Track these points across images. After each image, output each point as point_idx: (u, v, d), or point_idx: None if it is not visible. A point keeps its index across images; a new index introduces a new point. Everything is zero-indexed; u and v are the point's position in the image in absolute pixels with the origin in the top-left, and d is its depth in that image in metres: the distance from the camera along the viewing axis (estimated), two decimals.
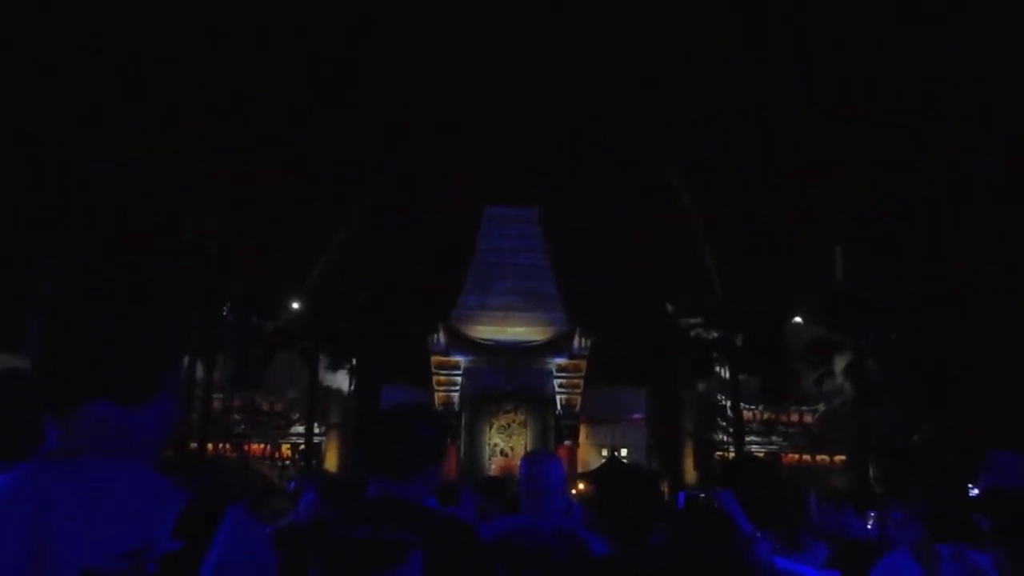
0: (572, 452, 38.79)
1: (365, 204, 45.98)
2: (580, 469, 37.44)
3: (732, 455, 37.33)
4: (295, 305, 40.08)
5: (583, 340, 39.57)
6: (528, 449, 38.48)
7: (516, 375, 39.39)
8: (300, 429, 39.35)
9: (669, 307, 41.25)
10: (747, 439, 38.54)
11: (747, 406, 39.59)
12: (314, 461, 37.72)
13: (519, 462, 3.82)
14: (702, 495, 3.15)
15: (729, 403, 39.70)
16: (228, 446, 38.35)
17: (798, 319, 40.74)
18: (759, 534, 2.98)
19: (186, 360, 34.06)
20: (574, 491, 33.74)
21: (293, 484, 4.94)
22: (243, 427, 39.32)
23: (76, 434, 1.37)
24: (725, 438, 40.00)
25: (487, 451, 39.43)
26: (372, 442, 2.59)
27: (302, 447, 38.71)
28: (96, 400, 1.38)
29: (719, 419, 40.46)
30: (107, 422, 1.38)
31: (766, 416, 40.91)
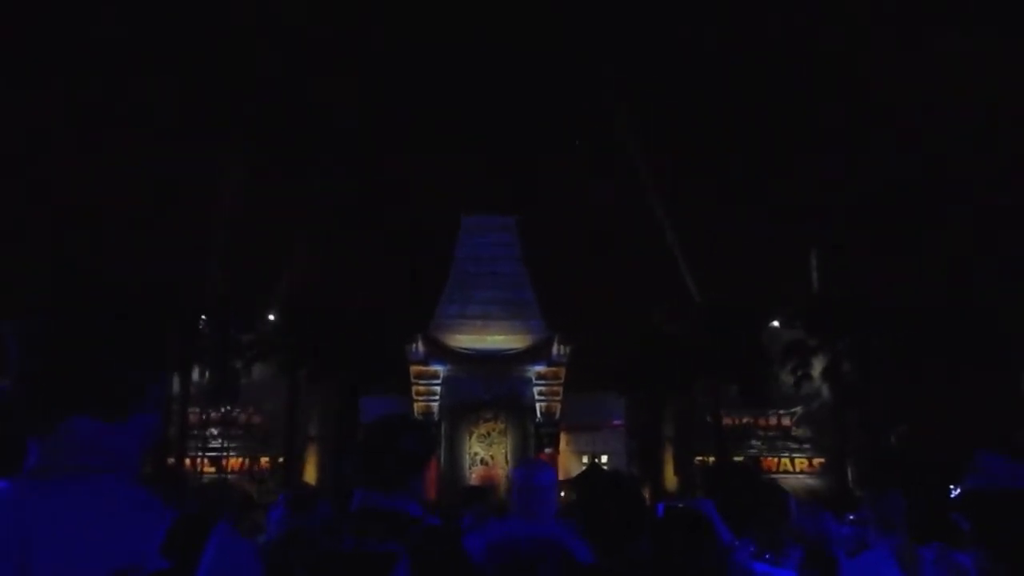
0: (552, 460, 38.77)
1: (340, 211, 45.79)
2: (561, 476, 37.41)
3: (712, 460, 37.48)
4: (271, 317, 39.82)
5: (562, 347, 39.63)
6: (508, 458, 38.49)
7: (495, 384, 39.38)
8: (278, 443, 39.03)
9: (649, 314, 41.43)
10: (727, 444, 38.69)
11: (726, 411, 39.79)
12: (293, 474, 37.42)
13: (498, 471, 3.88)
14: (681, 505, 3.17)
15: (708, 408, 39.88)
16: (206, 460, 37.95)
17: (775, 323, 41.04)
18: (739, 541, 3.00)
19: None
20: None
21: (282, 497, 4.90)
22: (221, 441, 38.94)
23: (59, 451, 1.35)
24: (705, 443, 40.16)
25: (467, 460, 39.36)
26: (362, 453, 2.61)
27: (281, 460, 38.40)
28: (79, 416, 1.37)
29: (698, 424, 40.62)
30: (90, 438, 1.36)
31: (745, 420, 41.13)
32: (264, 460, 39.28)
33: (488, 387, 39.36)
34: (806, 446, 40.62)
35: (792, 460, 40.38)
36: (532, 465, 3.89)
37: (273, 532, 4.58)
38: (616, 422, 41.01)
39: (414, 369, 39.75)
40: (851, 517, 6.90)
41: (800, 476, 38.26)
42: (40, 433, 1.37)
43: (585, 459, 38.92)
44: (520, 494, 3.55)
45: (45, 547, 1.24)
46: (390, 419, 2.75)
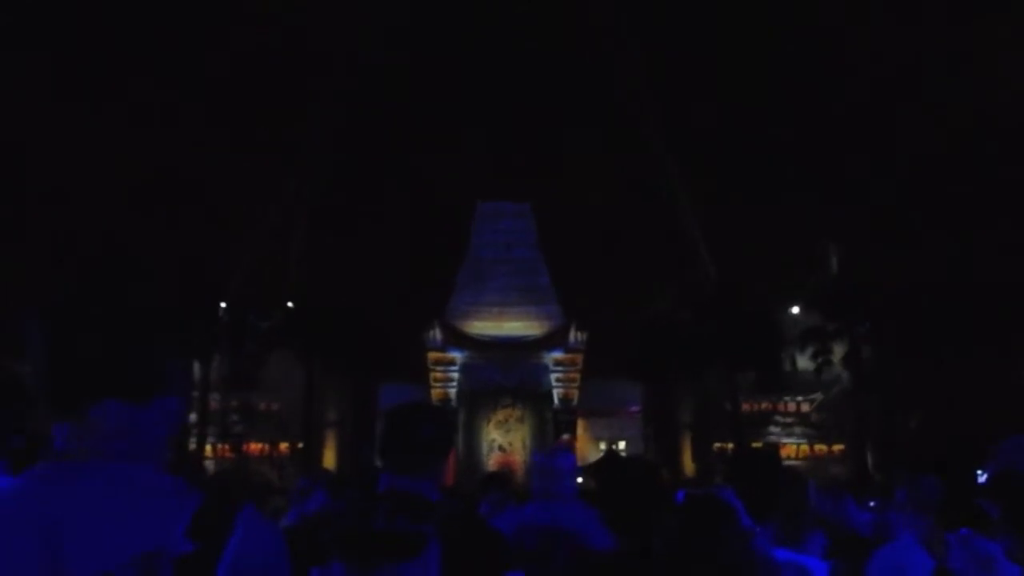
0: (570, 446, 38.84)
1: (356, 199, 45.91)
2: (579, 463, 37.49)
3: (730, 447, 37.39)
4: (290, 304, 40.03)
5: (579, 333, 39.62)
6: (526, 444, 38.60)
7: (513, 370, 39.45)
8: (297, 428, 39.32)
9: (662, 298, 41.32)
10: (745, 430, 38.60)
11: (744, 397, 39.66)
12: (312, 460, 37.72)
13: (516, 457, 3.99)
14: (701, 492, 3.17)
15: (726, 394, 39.77)
16: (226, 446, 38.31)
17: (795, 308, 40.83)
18: (759, 528, 2.99)
19: None
20: None
21: (302, 482, 4.97)
22: (241, 427, 39.28)
23: (85, 436, 1.36)
24: (723, 429, 40.07)
25: (485, 447, 39.49)
26: (386, 439, 2.65)
27: (300, 446, 38.68)
28: (104, 400, 1.37)
29: (716, 410, 40.53)
30: (117, 423, 1.37)
31: (763, 406, 41.00)
32: (283, 446, 39.60)
33: (506, 374, 39.44)
34: (825, 432, 40.45)
35: (811, 446, 40.23)
36: (552, 450, 3.96)
37: (308, 513, 4.62)
38: (633, 408, 41.02)
39: (431, 356, 39.87)
40: (871, 504, 6.88)
41: (819, 462, 38.11)
42: (66, 419, 1.38)
43: (603, 445, 38.97)
44: (541, 478, 3.60)
45: (73, 530, 1.25)
46: (411, 407, 2.80)
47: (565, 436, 38.83)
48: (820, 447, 40.18)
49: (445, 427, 2.73)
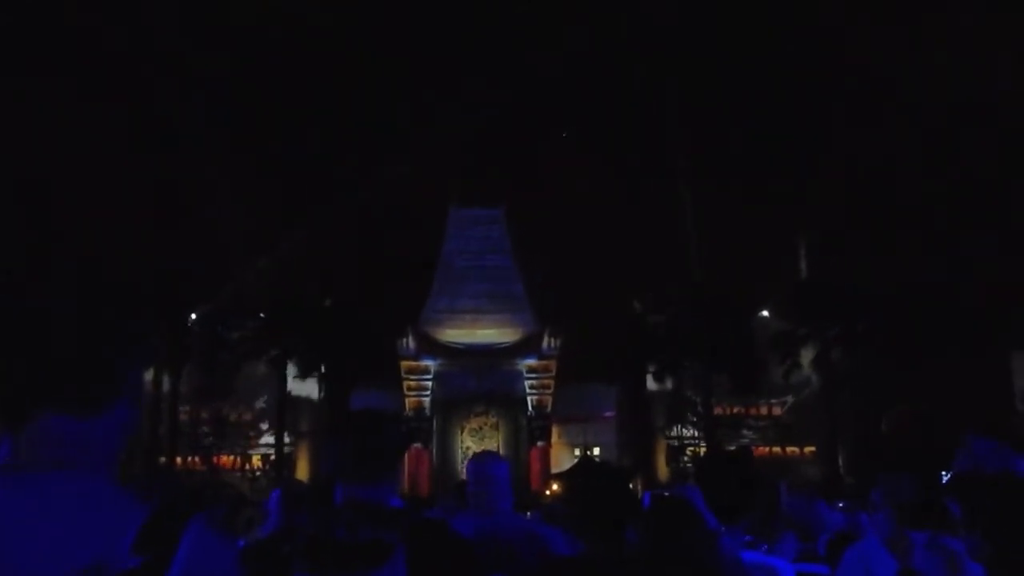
0: (545, 452, 38.88)
1: (327, 206, 45.68)
2: (553, 469, 37.51)
3: (703, 450, 37.60)
4: (262, 314, 39.71)
5: (552, 340, 39.67)
6: (500, 451, 38.56)
7: (487, 377, 39.42)
8: (270, 439, 39.00)
9: (635, 304, 41.48)
10: (717, 433, 38.83)
11: (717, 401, 39.91)
12: (285, 471, 37.41)
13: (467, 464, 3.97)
14: (666, 493, 3.17)
15: (699, 399, 40.00)
16: (197, 458, 37.90)
17: (764, 312, 41.16)
18: (725, 528, 2.99)
19: (152, 372, 33.64)
20: (548, 492, 33.82)
21: (275, 494, 4.91)
22: (211, 439, 38.89)
23: (31, 446, 1.33)
24: (696, 433, 40.28)
25: (460, 455, 39.38)
26: (340, 448, 2.61)
27: (272, 457, 38.36)
28: (51, 412, 1.34)
29: (689, 415, 40.74)
30: (63, 434, 1.33)
31: (736, 410, 41.27)
32: (255, 457, 39.25)
33: (479, 381, 39.41)
34: (797, 435, 40.78)
35: (784, 449, 40.53)
36: (484, 457, 3.95)
37: (268, 529, 4.56)
38: (607, 414, 41.11)
39: (405, 364, 39.73)
40: (840, 505, 6.92)
41: (791, 464, 38.40)
42: (11, 429, 1.34)
43: (577, 451, 38.99)
44: (475, 487, 3.58)
45: (15, 544, 1.21)
46: (358, 415, 2.78)
47: (540, 443, 38.86)
48: (792, 449, 40.49)
49: (394, 433, 2.69)
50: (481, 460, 3.85)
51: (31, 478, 1.30)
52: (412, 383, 39.69)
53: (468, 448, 39.56)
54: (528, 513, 9.33)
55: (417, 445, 37.80)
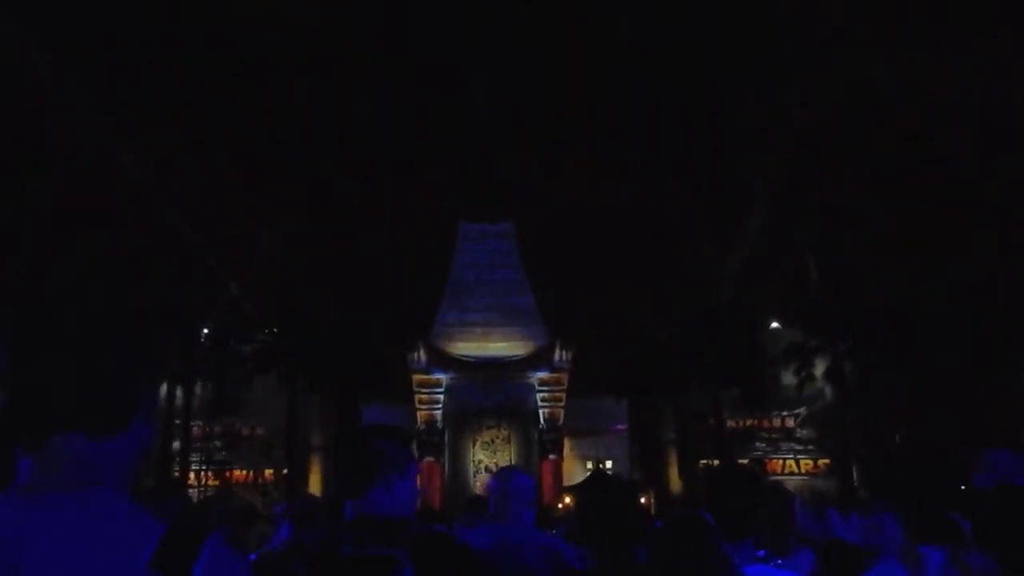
0: (557, 466, 38.75)
1: (338, 222, 45.83)
2: (565, 482, 37.40)
3: (716, 463, 37.39)
4: (274, 329, 39.78)
5: (564, 353, 39.60)
6: (513, 465, 38.43)
7: (498, 391, 39.37)
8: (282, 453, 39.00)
9: (644, 317, 41.40)
10: (731, 446, 38.61)
11: (729, 413, 39.71)
12: (297, 485, 37.39)
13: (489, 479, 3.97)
14: (684, 513, 3.17)
15: (711, 411, 39.81)
16: (210, 473, 37.94)
17: (776, 324, 40.99)
18: (735, 544, 2.98)
19: (164, 387, 33.76)
20: (560, 505, 33.70)
21: (279, 508, 4.93)
22: (224, 453, 38.93)
23: (48, 466, 1.35)
24: (709, 446, 40.08)
25: (472, 468, 39.30)
26: (337, 465, 2.64)
27: (285, 472, 38.35)
28: (68, 432, 1.36)
29: (701, 427, 40.55)
30: (80, 454, 1.36)
31: (748, 423, 41.06)
32: (268, 472, 39.25)
33: (491, 394, 39.35)
34: (810, 447, 40.53)
35: (797, 461, 40.28)
36: (506, 472, 3.95)
37: (278, 542, 4.58)
38: (619, 427, 40.98)
39: (416, 378, 39.73)
40: (854, 516, 6.87)
41: (805, 477, 38.15)
42: (30, 449, 1.36)
43: (589, 465, 38.88)
44: (497, 500, 3.59)
45: (34, 563, 1.23)
46: (358, 430, 2.83)
47: (551, 456, 38.72)
48: (806, 462, 40.23)
49: (395, 444, 2.66)
50: (503, 475, 3.86)
51: (49, 497, 1.32)
52: (424, 396, 39.68)
53: (480, 461, 39.47)
54: (554, 531, 9.29)
55: (429, 458, 37.73)
